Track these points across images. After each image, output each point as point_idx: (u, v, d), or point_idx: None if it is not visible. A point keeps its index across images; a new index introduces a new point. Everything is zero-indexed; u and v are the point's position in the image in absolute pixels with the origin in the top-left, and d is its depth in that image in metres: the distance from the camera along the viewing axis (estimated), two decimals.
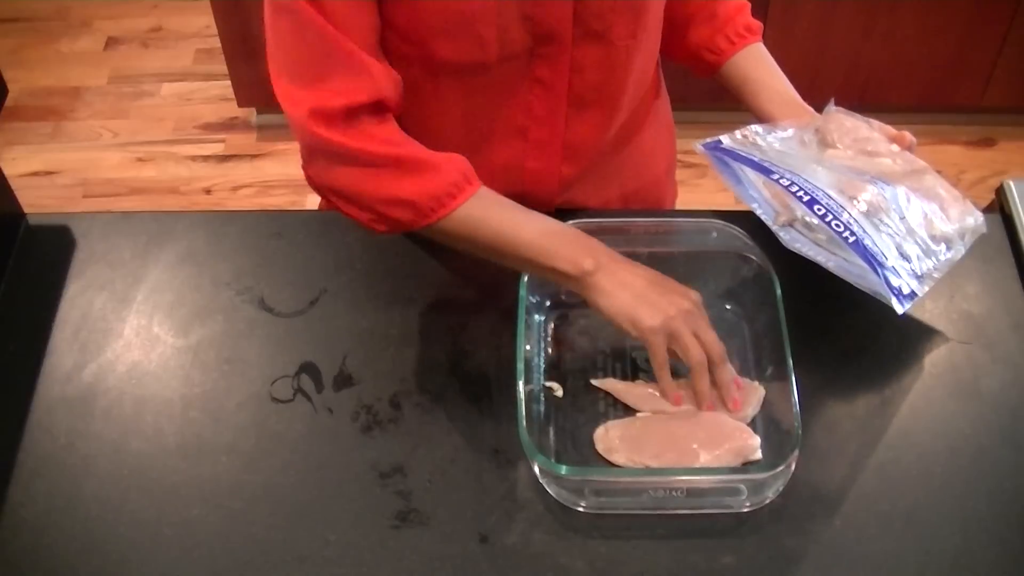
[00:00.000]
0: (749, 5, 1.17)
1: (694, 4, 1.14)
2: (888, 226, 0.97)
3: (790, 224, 1.04)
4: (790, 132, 1.06)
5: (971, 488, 0.94)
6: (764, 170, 1.00)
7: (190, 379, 1.03)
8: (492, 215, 0.99)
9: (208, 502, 0.94)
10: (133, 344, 1.06)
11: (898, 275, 0.95)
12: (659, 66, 1.20)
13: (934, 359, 1.04)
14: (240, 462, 0.97)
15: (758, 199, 1.06)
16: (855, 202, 0.97)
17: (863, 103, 2.56)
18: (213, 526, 0.93)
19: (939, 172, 1.04)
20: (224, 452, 0.98)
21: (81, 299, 1.10)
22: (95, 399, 1.02)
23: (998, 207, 1.18)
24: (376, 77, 0.96)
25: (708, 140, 1.07)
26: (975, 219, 1.02)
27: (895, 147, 1.04)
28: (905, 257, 0.97)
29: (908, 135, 1.05)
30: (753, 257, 1.04)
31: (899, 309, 0.95)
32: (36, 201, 2.43)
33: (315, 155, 1.00)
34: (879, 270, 0.94)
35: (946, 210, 1.01)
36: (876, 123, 1.06)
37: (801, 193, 0.97)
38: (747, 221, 1.06)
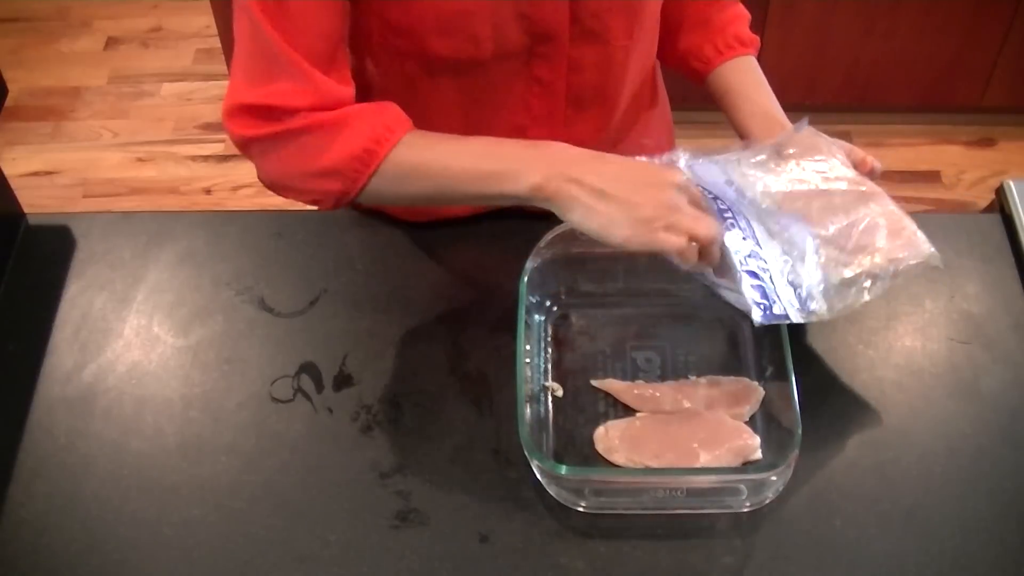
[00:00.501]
0: (748, 16, 1.15)
1: (687, 10, 1.14)
2: (792, 268, 0.92)
3: None
4: (726, 156, 0.99)
5: (971, 488, 0.94)
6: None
7: (190, 379, 1.03)
8: (422, 159, 0.95)
9: (208, 502, 0.94)
10: (133, 344, 1.06)
11: (774, 292, 0.90)
12: (657, 65, 1.20)
13: (934, 359, 1.04)
14: (240, 462, 0.97)
15: None
16: (764, 226, 0.92)
17: (863, 103, 2.58)
18: (213, 526, 0.93)
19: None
20: (224, 452, 0.98)
21: (81, 299, 1.10)
22: (95, 399, 1.02)
23: (998, 207, 1.18)
24: (320, 88, 0.94)
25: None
26: (919, 255, 0.94)
27: (852, 172, 0.98)
28: (796, 288, 0.91)
29: (871, 161, 1.00)
30: None
31: (756, 319, 0.89)
32: (36, 201, 2.43)
33: (246, 151, 0.98)
34: (757, 277, 0.89)
35: (890, 240, 0.93)
36: (846, 145, 1.01)
37: (707, 192, 0.93)
38: None
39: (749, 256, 0.92)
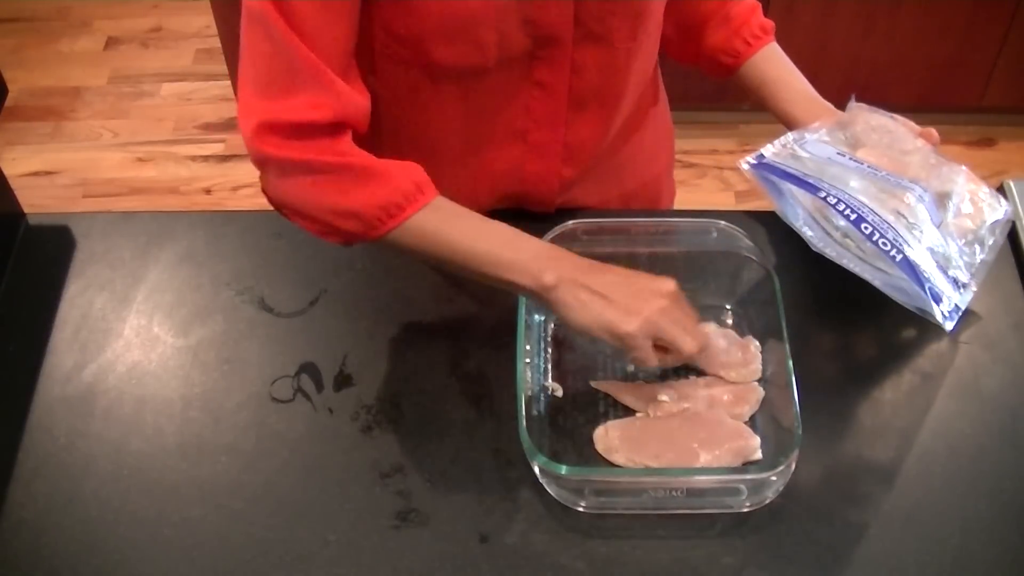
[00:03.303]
0: (760, 5, 1.16)
1: (707, 7, 1.14)
2: (927, 237, 0.96)
3: (831, 237, 1.04)
4: (822, 133, 1.04)
5: (971, 488, 0.94)
6: (810, 187, 0.98)
7: (190, 379, 1.03)
8: (447, 227, 0.97)
9: (208, 502, 0.94)
10: (133, 344, 1.06)
11: (941, 291, 0.96)
12: (658, 66, 1.20)
13: (934, 359, 1.04)
14: (240, 462, 0.97)
15: (802, 215, 1.06)
16: (896, 214, 0.96)
17: (863, 103, 2.56)
18: (213, 526, 0.93)
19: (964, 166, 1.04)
20: (224, 452, 0.98)
21: (81, 299, 1.10)
22: (95, 399, 1.02)
23: None
24: (341, 97, 0.94)
25: (751, 156, 1.04)
26: (1003, 211, 1.02)
27: (920, 143, 1.04)
28: (944, 270, 0.97)
29: (934, 132, 1.05)
30: (753, 257, 1.04)
31: (948, 327, 0.97)
32: (36, 201, 2.43)
33: (264, 168, 0.97)
34: (927, 287, 0.95)
35: (975, 205, 1.01)
36: (900, 119, 1.06)
37: (848, 212, 0.95)
38: (747, 221, 1.06)
39: (907, 258, 0.95)
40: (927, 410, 1.00)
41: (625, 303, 0.92)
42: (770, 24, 1.15)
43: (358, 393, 1.02)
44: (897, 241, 0.94)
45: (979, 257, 1.00)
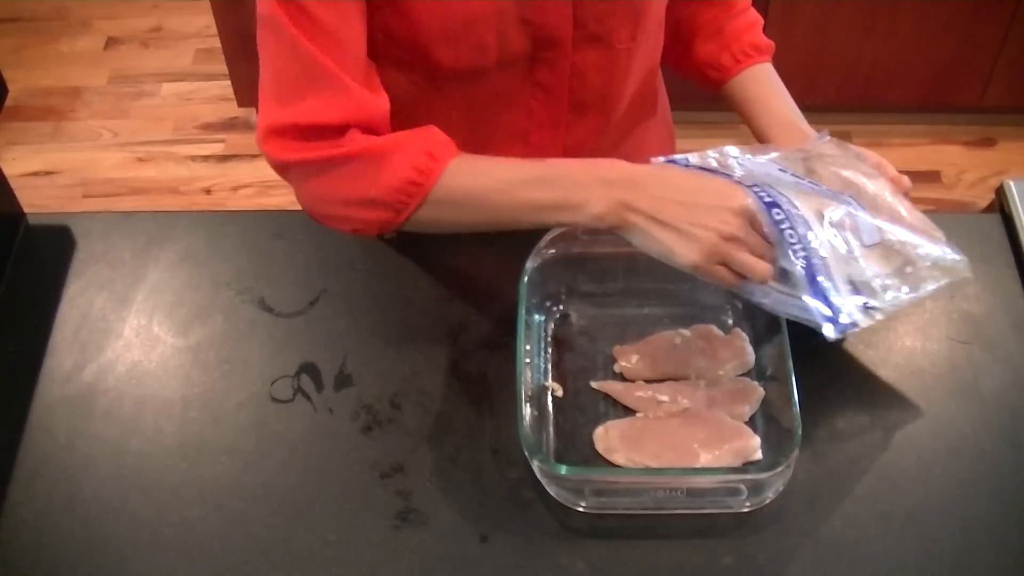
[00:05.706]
0: (761, 21, 1.15)
1: (701, 19, 1.13)
2: (850, 250, 0.90)
3: None
4: (772, 155, 0.99)
5: (971, 488, 0.94)
6: (723, 174, 0.93)
7: (190, 379, 1.03)
8: (475, 188, 0.92)
9: (208, 502, 0.94)
10: (133, 344, 1.06)
11: (840, 301, 0.88)
12: (658, 67, 1.20)
13: (934, 359, 1.04)
14: (240, 462, 0.97)
15: None
16: (821, 219, 0.90)
17: (863, 103, 2.58)
18: (213, 526, 0.93)
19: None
20: (224, 452, 0.98)
21: (81, 299, 1.10)
22: (95, 399, 1.02)
23: (998, 207, 1.18)
24: (357, 99, 0.92)
25: (675, 156, 0.97)
26: (953, 263, 0.95)
27: (882, 183, 0.97)
28: (855, 285, 0.90)
29: (905, 180, 0.99)
30: None
31: (829, 334, 0.87)
32: (36, 201, 2.43)
33: (286, 174, 0.96)
34: (819, 290, 0.88)
35: (915, 250, 0.94)
36: (874, 157, 1.00)
37: (764, 195, 0.89)
38: None
39: (809, 258, 0.88)
40: (927, 410, 1.00)
41: (687, 230, 0.86)
42: (766, 44, 1.13)
43: (358, 393, 1.02)
44: (805, 238, 0.87)
45: (903, 295, 0.92)
